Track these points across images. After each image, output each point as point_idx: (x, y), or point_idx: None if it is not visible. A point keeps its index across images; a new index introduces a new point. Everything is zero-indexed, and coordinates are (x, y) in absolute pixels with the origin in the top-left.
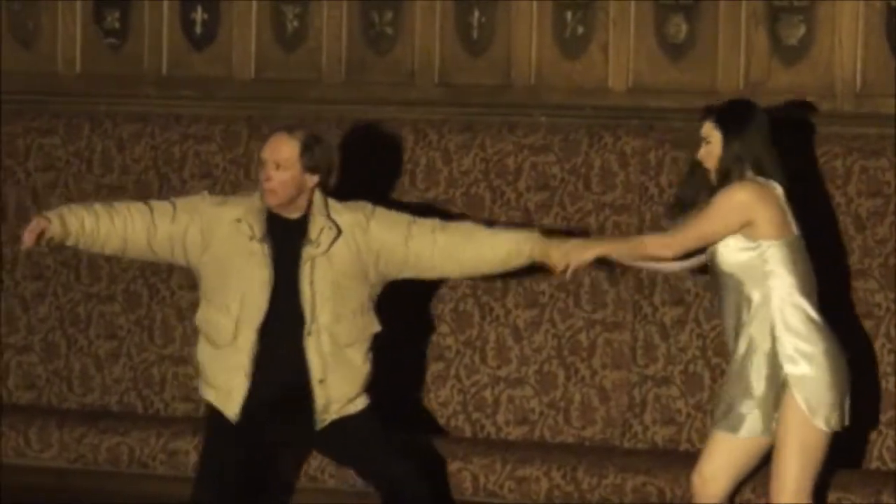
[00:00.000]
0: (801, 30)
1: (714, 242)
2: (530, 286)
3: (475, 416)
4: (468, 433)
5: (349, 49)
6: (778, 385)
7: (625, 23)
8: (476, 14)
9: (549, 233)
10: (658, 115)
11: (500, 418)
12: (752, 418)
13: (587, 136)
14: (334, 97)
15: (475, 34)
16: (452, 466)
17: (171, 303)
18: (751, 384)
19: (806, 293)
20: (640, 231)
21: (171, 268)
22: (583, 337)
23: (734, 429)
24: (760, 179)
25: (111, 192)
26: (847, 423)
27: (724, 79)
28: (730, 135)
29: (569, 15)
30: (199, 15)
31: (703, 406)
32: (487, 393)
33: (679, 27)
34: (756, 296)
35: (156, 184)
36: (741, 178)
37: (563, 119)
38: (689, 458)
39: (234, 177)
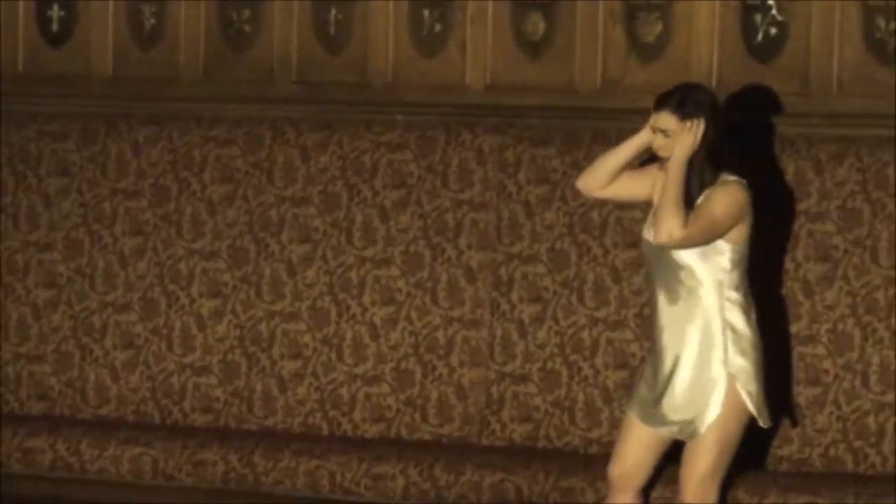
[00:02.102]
0: (658, 27)
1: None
2: (387, 283)
3: (332, 413)
4: (325, 431)
5: (207, 47)
6: (714, 380)
7: (482, 20)
8: (333, 12)
9: None
10: (516, 113)
11: (357, 416)
12: (664, 408)
13: (445, 134)
14: (192, 95)
15: (332, 32)
16: (309, 464)
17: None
18: (678, 376)
19: (748, 292)
20: (497, 230)
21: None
22: (440, 334)
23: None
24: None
25: None
26: (771, 422)
27: (581, 76)
28: (701, 123)
29: (426, 13)
30: (55, 12)
31: (560, 403)
32: (344, 390)
33: (536, 25)
34: (706, 292)
35: (12, 183)
36: (723, 170)
37: (421, 117)
38: (547, 456)
39: (92, 174)
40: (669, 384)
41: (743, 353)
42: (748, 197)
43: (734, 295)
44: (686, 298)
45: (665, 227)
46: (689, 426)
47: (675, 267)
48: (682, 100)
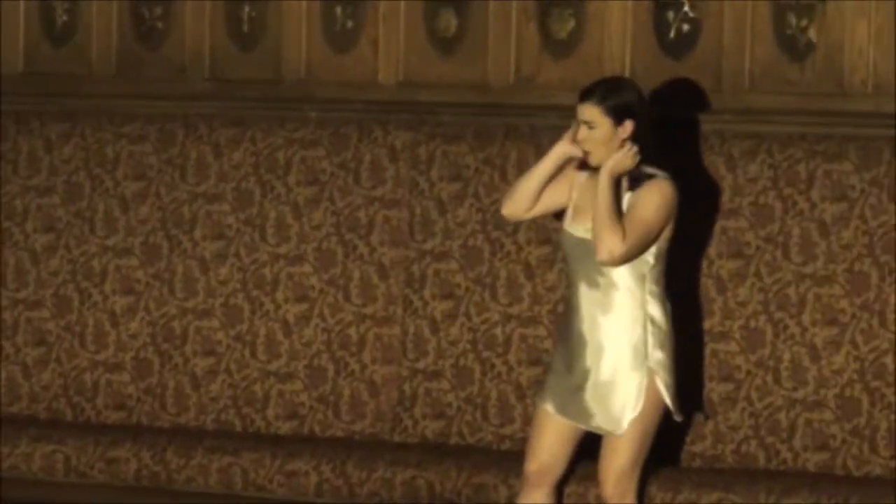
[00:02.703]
0: (571, 24)
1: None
2: (300, 280)
3: (245, 410)
4: (238, 428)
5: (119, 44)
6: (635, 373)
7: (395, 17)
8: (246, 9)
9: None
10: (428, 110)
11: (270, 413)
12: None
13: (357, 131)
14: (105, 92)
15: (245, 29)
16: (222, 461)
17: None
18: (600, 369)
19: (665, 286)
20: (410, 227)
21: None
22: (353, 331)
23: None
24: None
25: None
26: (684, 416)
27: (494, 73)
28: (627, 118)
29: (338, 10)
30: None
31: (473, 399)
32: (257, 387)
33: (449, 22)
34: (629, 285)
35: None
36: (653, 164)
37: (334, 113)
38: (459, 452)
39: (3, 172)
40: (590, 377)
41: (661, 346)
42: (675, 192)
43: (655, 289)
44: (608, 291)
45: (605, 245)
46: (611, 420)
47: (598, 263)
48: (606, 93)
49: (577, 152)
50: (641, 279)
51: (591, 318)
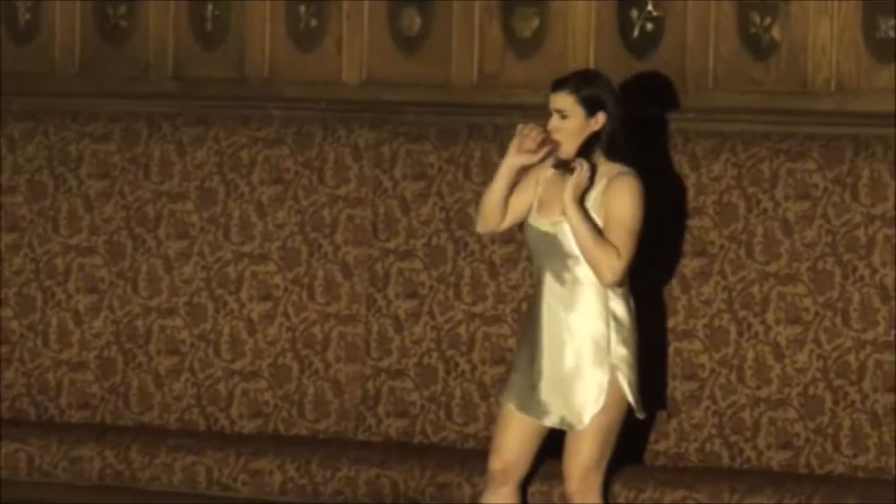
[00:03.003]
0: (535, 23)
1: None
2: (264, 279)
3: (209, 409)
4: (202, 426)
5: (83, 42)
6: (597, 369)
7: (358, 16)
8: (210, 8)
9: None
10: (392, 109)
11: (234, 411)
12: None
13: (321, 130)
14: (68, 90)
15: (209, 27)
16: (186, 460)
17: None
18: (563, 365)
19: (630, 284)
20: (373, 225)
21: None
22: (317, 330)
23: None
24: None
25: None
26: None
27: (458, 72)
28: (599, 110)
29: (302, 8)
30: None
31: (437, 398)
32: (221, 386)
33: (413, 20)
34: (595, 283)
35: None
36: (622, 160)
37: (297, 112)
38: (423, 451)
39: None
40: (551, 372)
41: (624, 342)
42: (642, 184)
43: (619, 288)
44: (573, 287)
45: (604, 269)
46: (572, 415)
47: (565, 256)
48: (581, 83)
49: (526, 161)
50: None
51: (555, 314)
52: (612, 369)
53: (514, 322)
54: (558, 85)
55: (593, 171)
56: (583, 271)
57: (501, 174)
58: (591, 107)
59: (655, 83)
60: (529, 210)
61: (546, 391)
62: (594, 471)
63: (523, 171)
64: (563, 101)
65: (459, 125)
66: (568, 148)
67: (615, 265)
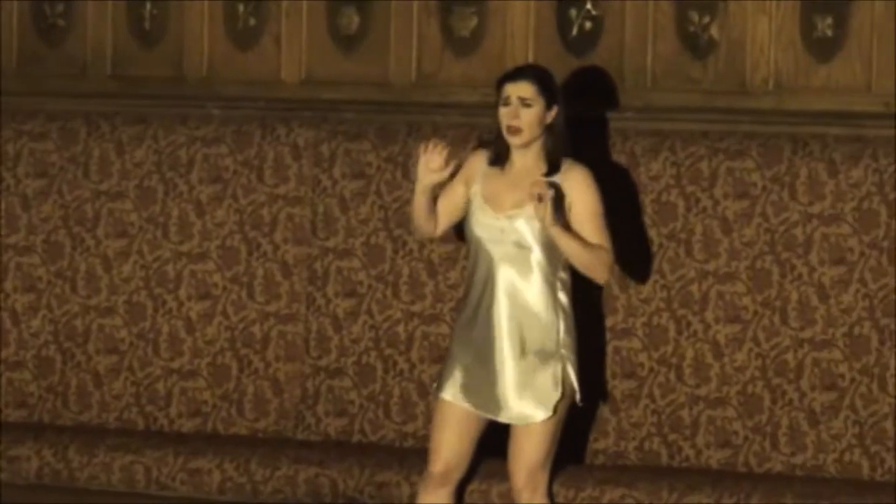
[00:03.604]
0: (474, 22)
1: None
2: (203, 278)
3: (148, 408)
4: (141, 426)
5: (20, 41)
6: (552, 362)
7: (297, 15)
8: (148, 7)
9: None
10: (331, 107)
11: (173, 410)
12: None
13: (260, 128)
14: (6, 89)
15: (147, 26)
16: (125, 459)
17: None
18: (524, 361)
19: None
20: (312, 224)
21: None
22: (256, 329)
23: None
24: None
25: None
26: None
27: (396, 71)
28: (554, 103)
29: (241, 7)
30: None
31: (375, 397)
32: (160, 385)
33: (351, 19)
34: (545, 273)
35: None
36: (565, 153)
37: (237, 111)
38: (362, 450)
39: None
40: (506, 367)
41: (569, 332)
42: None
43: (564, 276)
44: (527, 278)
45: (601, 269)
46: (530, 409)
47: (519, 248)
48: (540, 74)
49: (437, 179)
50: (555, 268)
51: (508, 307)
52: (563, 360)
53: (452, 321)
54: (518, 74)
55: (553, 165)
56: (536, 261)
57: (417, 196)
58: (549, 98)
59: (594, 82)
60: (464, 208)
61: (503, 386)
62: (542, 468)
63: (453, 175)
64: (527, 89)
65: (398, 124)
66: (529, 137)
67: (607, 260)
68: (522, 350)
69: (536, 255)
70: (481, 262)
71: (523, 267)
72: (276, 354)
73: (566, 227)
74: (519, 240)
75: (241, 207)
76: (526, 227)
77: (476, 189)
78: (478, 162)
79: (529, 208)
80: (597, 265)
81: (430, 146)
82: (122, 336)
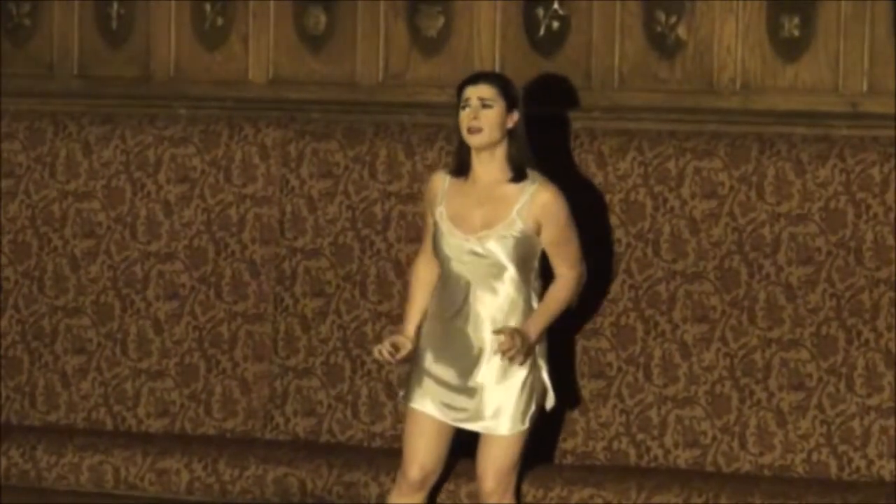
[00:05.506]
0: (440, 21)
1: None
2: (171, 278)
3: (116, 408)
4: (109, 426)
5: None
6: (525, 369)
7: (264, 15)
8: (115, 6)
9: None
10: (298, 107)
11: (142, 410)
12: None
13: (228, 128)
14: None
15: (114, 26)
16: (93, 459)
17: None
18: (501, 370)
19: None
20: (280, 224)
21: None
22: (224, 329)
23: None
24: None
25: None
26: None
27: (363, 70)
28: (515, 108)
29: (208, 7)
30: None
31: (343, 397)
32: (128, 385)
33: (318, 19)
34: (519, 284)
35: None
36: (528, 160)
37: (204, 111)
38: (331, 450)
39: None
40: (480, 378)
41: (541, 339)
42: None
43: (537, 284)
44: (498, 291)
45: (573, 300)
46: (504, 418)
47: (490, 265)
48: (500, 78)
49: (405, 354)
50: (528, 277)
51: (481, 319)
52: (536, 368)
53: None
54: (479, 78)
55: (518, 172)
56: (509, 277)
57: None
58: (510, 102)
59: (561, 82)
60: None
61: (473, 396)
62: (511, 471)
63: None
64: (487, 90)
65: (365, 124)
66: (490, 138)
67: (576, 288)
68: (495, 360)
69: (510, 272)
70: (452, 278)
71: (496, 281)
72: (244, 354)
73: (535, 329)
74: (491, 260)
75: (209, 207)
76: (497, 246)
77: (441, 210)
78: (437, 182)
79: (500, 227)
80: (569, 301)
81: (377, 353)
82: (90, 336)
